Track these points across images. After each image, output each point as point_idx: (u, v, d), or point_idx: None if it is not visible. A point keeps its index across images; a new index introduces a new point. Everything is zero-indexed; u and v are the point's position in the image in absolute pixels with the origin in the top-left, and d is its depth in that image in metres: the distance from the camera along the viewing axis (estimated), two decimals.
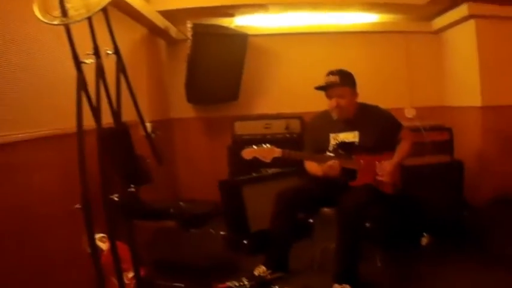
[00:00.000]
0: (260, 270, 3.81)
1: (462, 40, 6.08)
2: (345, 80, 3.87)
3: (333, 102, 3.86)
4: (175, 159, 6.47)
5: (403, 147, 3.99)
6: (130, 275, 3.06)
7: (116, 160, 2.82)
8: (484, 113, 5.65)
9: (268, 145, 3.71)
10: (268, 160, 3.69)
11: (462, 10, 5.66)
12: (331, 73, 3.88)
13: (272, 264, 3.83)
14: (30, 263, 2.68)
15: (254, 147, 3.71)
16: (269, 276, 3.80)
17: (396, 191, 3.91)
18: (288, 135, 5.78)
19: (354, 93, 3.95)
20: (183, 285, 3.67)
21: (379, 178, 3.80)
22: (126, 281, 2.92)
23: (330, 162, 3.67)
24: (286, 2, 5.59)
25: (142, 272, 3.16)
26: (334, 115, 3.94)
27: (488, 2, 5.49)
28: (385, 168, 3.82)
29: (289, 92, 6.50)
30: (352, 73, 3.98)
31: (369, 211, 3.72)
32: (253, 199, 4.58)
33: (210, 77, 5.86)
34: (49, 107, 3.05)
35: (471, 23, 5.71)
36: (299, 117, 5.88)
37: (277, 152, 3.68)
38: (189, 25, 5.49)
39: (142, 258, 3.21)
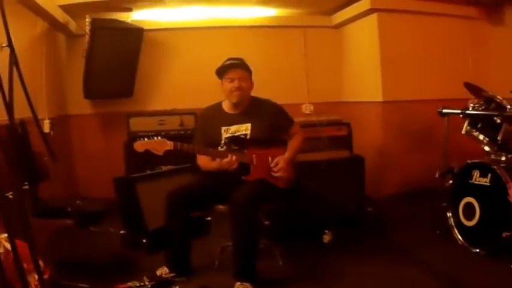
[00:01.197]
0: (163, 271, 3.75)
1: (363, 34, 6.21)
2: (245, 65, 3.90)
3: (236, 83, 3.82)
4: (72, 156, 6.34)
5: (294, 143, 4.02)
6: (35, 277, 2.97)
7: (10, 157, 2.73)
8: (384, 107, 5.85)
9: (159, 138, 3.65)
10: (160, 153, 3.61)
11: (364, 4, 5.79)
12: (233, 58, 3.91)
13: (174, 267, 3.77)
14: None
15: (146, 139, 3.64)
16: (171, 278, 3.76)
17: (290, 186, 3.95)
18: (182, 132, 5.79)
19: (252, 82, 3.96)
20: (88, 286, 3.59)
21: (274, 174, 3.83)
22: (34, 283, 2.82)
23: (228, 159, 3.67)
24: None
25: (47, 273, 3.08)
26: (234, 98, 3.88)
27: None
28: (278, 164, 3.85)
29: (185, 88, 6.49)
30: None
31: (263, 205, 3.74)
32: (149, 196, 4.47)
33: (105, 72, 5.78)
34: None
35: (373, 17, 5.86)
36: (193, 113, 5.88)
37: (169, 144, 3.60)
38: (87, 19, 5.41)
39: (46, 258, 3.13)
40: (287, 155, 3.90)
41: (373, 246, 4.39)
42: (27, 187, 2.88)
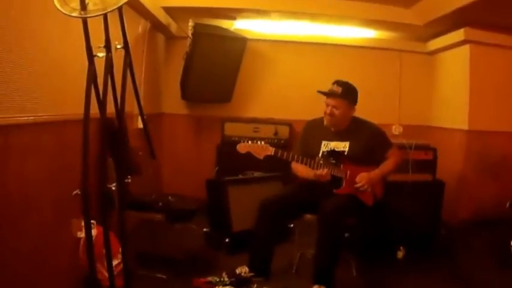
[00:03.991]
0: (243, 269, 3.90)
1: (455, 63, 6.18)
2: (346, 93, 4.00)
3: (327, 109, 4.00)
4: (161, 154, 6.50)
5: (388, 163, 4.13)
6: (115, 262, 3.13)
7: (114, 151, 2.90)
8: (469, 136, 5.77)
9: (262, 142, 3.83)
10: (260, 157, 3.80)
11: (458, 34, 5.76)
12: (337, 83, 4.03)
13: (255, 268, 3.91)
14: (19, 246, 2.70)
15: (249, 142, 3.83)
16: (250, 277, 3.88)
17: (376, 203, 4.04)
18: (276, 141, 5.85)
19: (351, 108, 4.08)
20: (165, 276, 3.76)
21: (357, 185, 3.92)
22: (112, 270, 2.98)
23: (323, 172, 3.81)
24: (287, 10, 5.66)
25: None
26: (325, 121, 4.08)
27: (485, 29, 5.60)
28: (363, 175, 3.95)
29: (281, 99, 6.59)
30: (357, 90, 4.11)
31: (348, 218, 3.88)
32: (238, 200, 4.67)
33: (205, 77, 5.92)
34: (49, 94, 3.04)
35: (466, 48, 5.82)
36: (288, 123, 5.99)
37: (270, 150, 3.80)
38: (190, 24, 5.58)
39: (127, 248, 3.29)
40: (373, 172, 4.00)
41: (440, 268, 4.46)
42: (129, 180, 3.02)
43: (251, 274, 3.87)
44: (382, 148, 4.16)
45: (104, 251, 2.78)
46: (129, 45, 2.89)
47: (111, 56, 2.65)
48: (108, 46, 2.64)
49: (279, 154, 3.83)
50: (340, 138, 4.08)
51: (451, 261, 4.63)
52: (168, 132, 6.63)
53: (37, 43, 2.84)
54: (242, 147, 3.85)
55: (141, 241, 4.32)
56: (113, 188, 2.77)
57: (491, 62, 5.84)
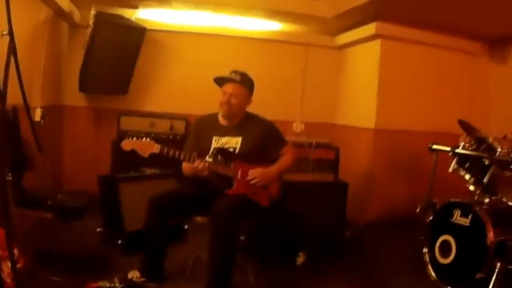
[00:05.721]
0: (134, 274, 3.74)
1: (365, 59, 6.24)
2: (245, 81, 3.91)
3: (225, 97, 3.86)
4: (61, 147, 6.31)
5: (283, 160, 4.01)
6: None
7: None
8: (376, 135, 5.84)
9: (148, 139, 3.65)
10: (145, 155, 3.61)
11: (369, 28, 5.81)
12: (235, 71, 3.92)
13: (147, 272, 3.77)
14: None
15: (134, 139, 3.66)
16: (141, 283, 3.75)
17: (273, 204, 3.92)
18: (171, 136, 5.83)
19: (248, 99, 3.98)
20: (59, 279, 3.59)
21: (248, 178, 3.80)
22: (7, 271, 2.83)
23: (196, 164, 3.66)
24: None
25: (21, 262, 3.10)
26: (222, 111, 3.94)
27: (396, 23, 5.66)
28: (256, 170, 3.83)
29: (179, 92, 6.50)
30: (254, 81, 4.02)
31: (242, 220, 3.70)
32: (130, 198, 4.51)
33: (104, 67, 5.75)
34: None
35: (376, 42, 5.88)
36: (184, 118, 5.94)
37: (156, 147, 3.61)
38: (92, 12, 5.42)
39: (22, 247, 3.13)
40: (271, 167, 3.90)
41: (344, 272, 4.41)
42: (10, 178, 2.85)
43: (143, 279, 3.74)
44: (276, 145, 4.05)
45: None
46: (13, 32, 2.73)
47: None
48: None
49: (165, 151, 3.64)
50: (233, 133, 3.95)
51: (357, 264, 4.62)
52: (67, 124, 6.41)
53: None
54: (126, 144, 3.65)
55: (39, 240, 4.17)
56: None
57: (402, 57, 5.95)
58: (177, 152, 3.69)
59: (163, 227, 3.82)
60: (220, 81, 3.93)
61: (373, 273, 4.42)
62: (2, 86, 2.64)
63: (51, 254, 4.03)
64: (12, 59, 2.77)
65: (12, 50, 2.73)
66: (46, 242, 4.19)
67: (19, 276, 2.86)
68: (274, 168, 3.92)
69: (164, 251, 3.85)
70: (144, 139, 3.65)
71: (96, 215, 4.56)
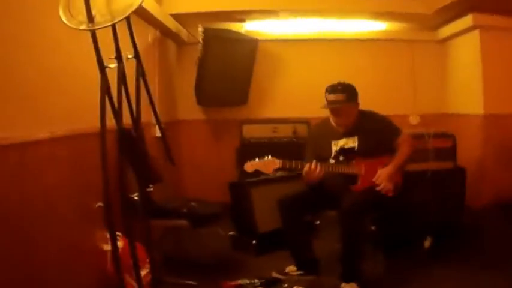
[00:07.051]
0: (291, 269, 3.95)
1: (466, 50, 6.18)
2: (349, 96, 3.95)
3: (342, 120, 3.97)
4: (180, 160, 6.52)
5: (402, 152, 4.00)
6: (143, 272, 3.13)
7: (133, 160, 2.90)
8: (485, 121, 5.75)
9: (269, 157, 3.79)
10: (269, 172, 3.80)
11: (467, 20, 5.77)
12: (335, 90, 3.95)
13: (301, 266, 3.94)
14: (44, 259, 2.63)
15: (256, 160, 3.81)
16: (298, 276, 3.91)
17: (397, 194, 3.95)
18: (294, 140, 5.86)
19: (356, 107, 4.04)
20: (196, 283, 3.75)
21: (377, 188, 3.83)
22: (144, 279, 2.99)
23: (306, 168, 3.76)
24: (295, 9, 5.66)
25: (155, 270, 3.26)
26: (340, 129, 4.03)
27: (493, 13, 5.58)
28: (381, 175, 3.86)
29: (297, 97, 6.58)
30: (353, 84, 4.04)
31: (369, 213, 3.85)
32: (261, 201, 4.67)
33: (219, 81, 5.94)
34: (63, 108, 2.98)
35: (475, 33, 5.82)
36: (306, 121, 5.96)
37: (277, 163, 3.77)
38: (200, 29, 5.59)
39: (154, 255, 3.30)
40: (390, 167, 3.91)
41: (468, 254, 4.42)
42: (151, 189, 3.02)
43: (299, 272, 3.90)
44: (391, 136, 4.04)
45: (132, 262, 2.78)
46: (140, 54, 2.90)
47: (123, 67, 2.65)
48: (119, 57, 2.63)
49: (287, 165, 3.80)
50: (348, 134, 4.00)
51: (480, 249, 4.55)
52: (186, 138, 6.64)
53: (52, 59, 2.84)
54: (248, 167, 3.83)
55: (169, 248, 4.35)
56: (136, 198, 2.77)
57: (501, 45, 5.82)
58: (299, 164, 3.81)
59: (300, 223, 3.99)
60: (329, 107, 3.99)
61: (495, 256, 4.33)
62: (135, 110, 2.82)
63: (183, 260, 4.24)
64: (141, 80, 2.95)
65: (141, 72, 2.90)
66: (178, 250, 4.39)
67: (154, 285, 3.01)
68: (394, 165, 3.92)
69: (310, 245, 4.02)
70: (265, 158, 3.80)
71: (225, 222, 4.73)
